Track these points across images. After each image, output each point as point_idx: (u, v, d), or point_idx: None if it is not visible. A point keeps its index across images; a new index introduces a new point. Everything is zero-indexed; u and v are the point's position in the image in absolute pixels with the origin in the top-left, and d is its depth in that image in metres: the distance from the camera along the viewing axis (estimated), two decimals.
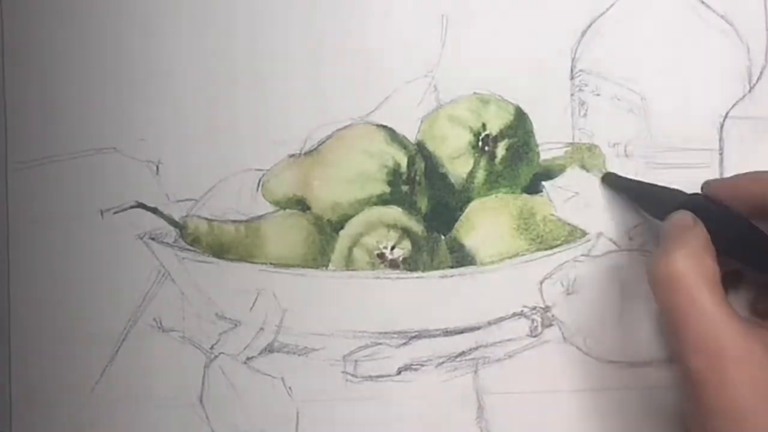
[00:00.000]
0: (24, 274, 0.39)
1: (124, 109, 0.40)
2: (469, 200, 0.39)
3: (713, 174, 0.38)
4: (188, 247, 0.39)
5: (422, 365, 0.39)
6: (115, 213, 0.39)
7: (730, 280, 0.36)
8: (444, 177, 0.39)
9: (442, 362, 0.39)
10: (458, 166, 0.39)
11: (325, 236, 0.39)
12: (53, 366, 0.39)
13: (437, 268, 0.39)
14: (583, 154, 0.39)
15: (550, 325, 0.39)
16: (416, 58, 0.39)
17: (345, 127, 0.39)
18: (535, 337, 0.39)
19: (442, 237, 0.39)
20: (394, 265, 0.39)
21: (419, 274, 0.39)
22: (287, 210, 0.39)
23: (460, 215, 0.39)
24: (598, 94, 0.39)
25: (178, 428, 0.39)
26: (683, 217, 0.34)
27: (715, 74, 0.39)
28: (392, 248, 0.39)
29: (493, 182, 0.39)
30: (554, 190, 0.39)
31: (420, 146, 0.39)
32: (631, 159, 0.39)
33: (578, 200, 0.39)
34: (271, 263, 0.39)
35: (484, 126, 0.39)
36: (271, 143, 0.39)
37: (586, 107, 0.39)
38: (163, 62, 0.40)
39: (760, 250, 0.34)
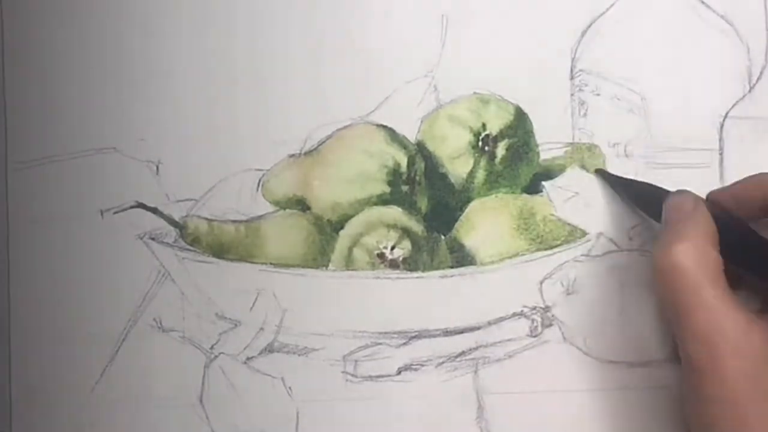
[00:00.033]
0: (24, 274, 0.39)
1: (124, 109, 0.40)
2: (469, 200, 0.39)
3: (713, 174, 0.38)
4: (188, 247, 0.39)
5: (422, 365, 0.39)
6: (115, 213, 0.39)
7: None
8: (444, 177, 0.39)
9: (442, 362, 0.39)
10: (458, 166, 0.39)
11: (325, 236, 0.39)
12: (53, 366, 0.39)
13: (437, 268, 0.39)
14: (583, 154, 0.39)
15: (550, 325, 0.39)
16: (416, 58, 0.39)
17: (345, 127, 0.39)
18: (535, 337, 0.39)
19: (442, 237, 0.39)
20: (394, 265, 0.39)
21: (419, 274, 0.39)
22: (287, 210, 0.39)
23: (460, 215, 0.39)
24: (598, 94, 0.39)
25: (178, 428, 0.39)
26: (683, 198, 0.34)
27: (715, 74, 0.39)
28: (392, 248, 0.39)
29: (493, 182, 0.39)
30: (554, 190, 0.39)
31: (420, 146, 0.39)
32: (631, 159, 0.39)
33: (578, 200, 0.39)
34: (271, 263, 0.39)
35: (484, 126, 0.39)
36: (271, 143, 0.39)
37: (586, 107, 0.39)
38: (163, 62, 0.40)
39: (760, 256, 0.34)
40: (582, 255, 0.39)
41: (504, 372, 0.39)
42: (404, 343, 0.39)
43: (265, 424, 0.39)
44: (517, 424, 0.39)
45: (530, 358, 0.39)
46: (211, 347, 0.39)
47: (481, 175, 0.39)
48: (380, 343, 0.39)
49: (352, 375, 0.39)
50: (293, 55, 0.39)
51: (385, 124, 0.39)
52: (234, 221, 0.39)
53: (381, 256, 0.39)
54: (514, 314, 0.39)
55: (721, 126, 0.39)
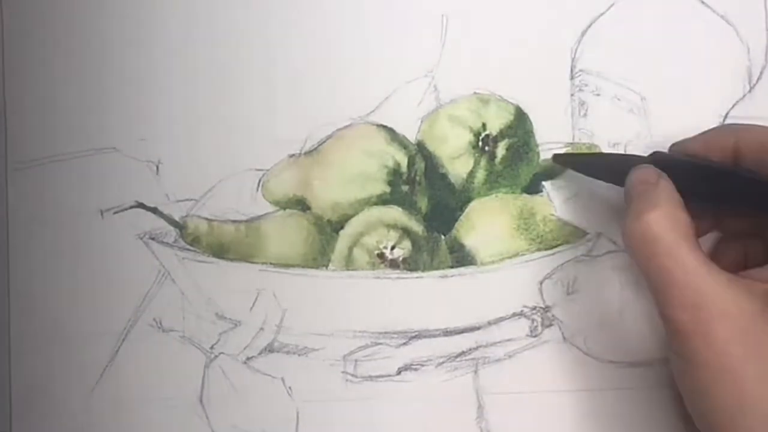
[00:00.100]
0: (24, 274, 0.39)
1: (124, 109, 0.40)
2: (469, 200, 0.39)
3: None
4: (188, 247, 0.39)
5: (422, 365, 0.39)
6: (115, 213, 0.39)
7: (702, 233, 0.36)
8: (444, 177, 0.39)
9: (442, 362, 0.39)
10: (458, 166, 0.39)
11: (325, 236, 0.39)
12: (53, 366, 0.39)
13: (437, 268, 0.39)
14: None
15: (550, 325, 0.39)
16: (416, 58, 0.39)
17: (345, 127, 0.39)
18: (535, 337, 0.39)
19: (442, 237, 0.39)
20: (394, 265, 0.39)
21: (419, 274, 0.39)
22: (287, 210, 0.39)
23: (460, 215, 0.39)
24: (598, 94, 0.39)
25: (178, 428, 0.39)
26: (645, 171, 0.34)
27: (715, 74, 0.39)
28: (392, 248, 0.39)
29: (493, 182, 0.39)
30: (554, 190, 0.39)
31: (420, 146, 0.39)
32: None
33: (578, 200, 0.39)
34: (271, 263, 0.39)
35: (484, 126, 0.39)
36: (271, 143, 0.39)
37: (586, 107, 0.39)
38: (163, 62, 0.40)
39: (728, 190, 0.34)
40: (582, 255, 0.39)
41: (504, 372, 0.39)
42: (404, 343, 0.39)
43: (265, 424, 0.39)
44: (517, 424, 0.39)
45: (530, 358, 0.39)
46: (211, 347, 0.39)
47: (481, 175, 0.39)
48: (380, 343, 0.39)
49: (352, 375, 0.39)
50: (293, 55, 0.39)
51: (385, 124, 0.39)
52: (234, 221, 0.39)
53: (381, 256, 0.39)
54: (514, 314, 0.39)
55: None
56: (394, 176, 0.39)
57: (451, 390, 0.39)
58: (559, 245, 0.39)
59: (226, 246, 0.39)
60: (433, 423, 0.39)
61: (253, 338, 0.39)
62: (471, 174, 0.39)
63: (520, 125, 0.39)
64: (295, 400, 0.39)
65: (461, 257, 0.39)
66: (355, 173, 0.39)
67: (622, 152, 0.38)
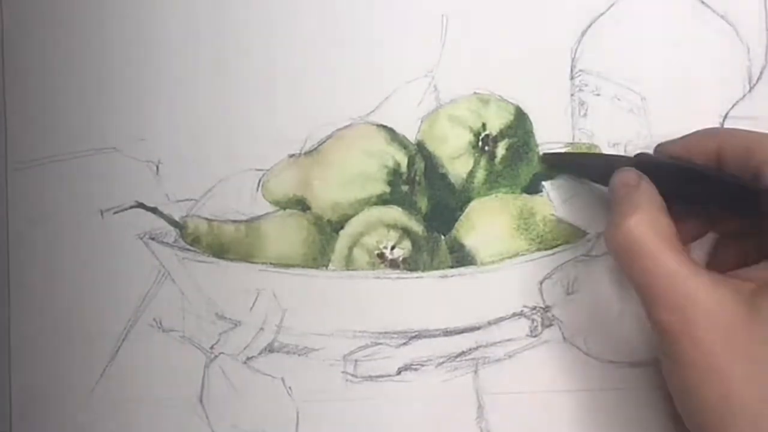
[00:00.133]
0: (24, 274, 0.39)
1: (124, 109, 0.40)
2: (469, 200, 0.39)
3: None
4: (188, 247, 0.39)
5: (422, 365, 0.39)
6: (115, 213, 0.39)
7: (687, 236, 0.36)
8: (444, 177, 0.39)
9: (442, 362, 0.39)
10: (458, 166, 0.39)
11: (325, 236, 0.39)
12: (53, 366, 0.39)
13: (437, 268, 0.39)
14: None
15: (550, 325, 0.39)
16: (416, 58, 0.39)
17: (345, 127, 0.39)
18: (535, 337, 0.39)
19: (442, 237, 0.39)
20: (394, 265, 0.39)
21: (419, 274, 0.39)
22: (287, 210, 0.39)
23: (460, 215, 0.39)
24: (598, 94, 0.39)
25: (178, 428, 0.39)
26: (627, 174, 0.34)
27: (715, 74, 0.39)
28: (392, 248, 0.39)
29: (493, 182, 0.39)
30: (554, 190, 0.39)
31: (420, 146, 0.39)
32: None
33: (578, 200, 0.39)
34: (271, 263, 0.39)
35: (484, 126, 0.39)
36: (271, 143, 0.39)
37: (586, 107, 0.39)
38: (163, 62, 0.40)
39: (712, 193, 0.34)
40: (582, 255, 0.39)
41: (504, 372, 0.39)
42: (404, 343, 0.39)
43: (265, 424, 0.39)
44: (517, 424, 0.39)
45: (530, 358, 0.39)
46: (211, 347, 0.39)
47: (481, 175, 0.39)
48: (380, 343, 0.39)
49: (352, 375, 0.39)
50: (293, 55, 0.39)
51: (385, 124, 0.39)
52: (234, 221, 0.39)
53: (381, 256, 0.39)
54: (514, 314, 0.39)
55: (722, 126, 0.39)
56: (394, 176, 0.39)
57: (451, 390, 0.39)
58: (559, 245, 0.39)
59: (226, 246, 0.39)
60: (433, 423, 0.39)
61: (253, 338, 0.39)
62: (471, 174, 0.39)
63: (520, 125, 0.39)
64: (295, 400, 0.39)
65: (461, 257, 0.39)
66: (355, 173, 0.39)
67: (607, 153, 0.38)
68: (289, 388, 0.39)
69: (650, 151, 0.37)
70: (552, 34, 0.39)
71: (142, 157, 0.39)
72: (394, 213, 0.39)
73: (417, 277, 0.39)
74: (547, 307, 0.39)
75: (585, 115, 0.39)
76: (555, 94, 0.39)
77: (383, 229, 0.39)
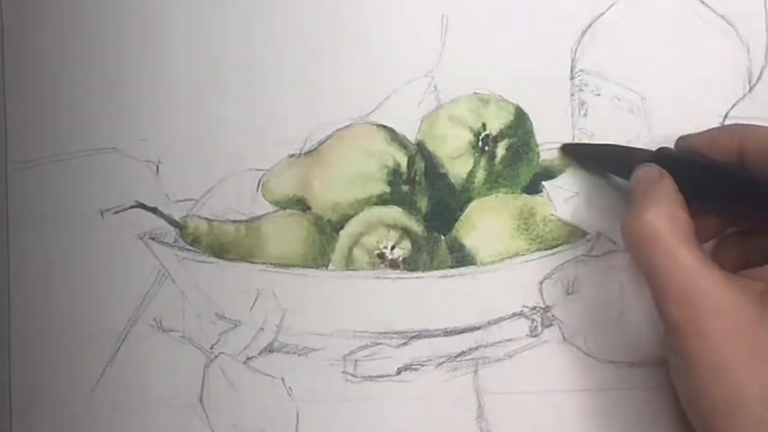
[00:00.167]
0: (24, 274, 0.39)
1: (124, 109, 0.40)
2: (469, 200, 0.39)
3: None
4: (188, 247, 0.39)
5: (422, 365, 0.39)
6: (115, 213, 0.39)
7: (704, 233, 0.36)
8: (444, 177, 0.39)
9: (442, 362, 0.39)
10: (458, 166, 0.39)
11: (325, 236, 0.39)
12: (53, 366, 0.39)
13: (437, 268, 0.39)
14: None
15: (550, 325, 0.39)
16: (416, 58, 0.39)
17: (345, 127, 0.39)
18: (535, 337, 0.39)
19: (442, 237, 0.39)
20: (394, 265, 0.39)
21: (419, 274, 0.39)
22: (287, 210, 0.39)
23: (460, 215, 0.39)
24: (598, 94, 0.39)
25: (178, 428, 0.39)
26: (648, 170, 0.34)
27: (715, 74, 0.39)
28: (392, 248, 0.39)
29: (493, 182, 0.39)
30: (554, 190, 0.39)
31: (420, 146, 0.39)
32: None
33: (578, 200, 0.39)
34: (271, 263, 0.39)
35: (484, 126, 0.39)
36: (271, 143, 0.39)
37: (586, 107, 0.39)
38: (163, 62, 0.40)
39: (732, 191, 0.34)
40: (582, 255, 0.39)
41: (504, 372, 0.39)
42: (404, 343, 0.39)
43: (265, 424, 0.39)
44: (517, 424, 0.39)
45: (530, 358, 0.39)
46: (211, 347, 0.39)
47: (481, 175, 0.39)
48: (380, 343, 0.39)
49: (352, 375, 0.39)
50: (293, 55, 0.39)
51: (385, 124, 0.39)
52: (234, 221, 0.39)
53: (381, 256, 0.39)
54: (514, 314, 0.39)
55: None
56: (394, 176, 0.39)
57: (451, 390, 0.39)
58: (559, 245, 0.39)
59: (226, 246, 0.39)
60: (433, 423, 0.39)
61: (253, 338, 0.39)
62: (471, 174, 0.39)
63: (520, 125, 0.39)
64: (295, 400, 0.39)
65: (461, 257, 0.39)
66: (355, 173, 0.39)
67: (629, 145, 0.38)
68: (289, 388, 0.39)
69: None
70: (552, 34, 0.39)
71: (142, 157, 0.39)
72: (394, 213, 0.39)
73: (417, 277, 0.39)
74: (547, 307, 0.39)
75: (585, 115, 0.39)
76: (555, 94, 0.39)
77: (383, 229, 0.39)
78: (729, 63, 0.39)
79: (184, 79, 0.39)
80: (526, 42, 0.39)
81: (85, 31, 0.40)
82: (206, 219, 0.39)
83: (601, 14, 0.39)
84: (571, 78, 0.39)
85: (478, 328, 0.39)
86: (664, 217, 0.32)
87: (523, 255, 0.39)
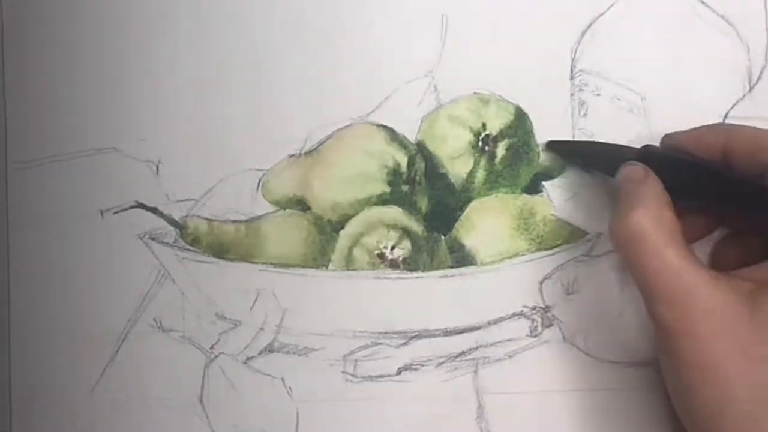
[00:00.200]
0: (24, 274, 0.39)
1: (124, 109, 0.40)
2: (469, 200, 0.39)
3: None
4: (188, 247, 0.39)
5: (422, 365, 0.39)
6: (115, 213, 0.39)
7: (692, 233, 0.36)
8: (444, 177, 0.39)
9: (442, 362, 0.39)
10: (458, 166, 0.39)
11: (325, 236, 0.39)
12: (53, 366, 0.39)
13: (437, 268, 0.39)
14: None
15: (550, 325, 0.39)
16: (416, 58, 0.39)
17: (345, 127, 0.39)
18: (535, 337, 0.39)
19: (442, 237, 0.39)
20: (394, 265, 0.39)
21: (419, 274, 0.39)
22: (287, 210, 0.39)
23: (460, 215, 0.39)
24: (598, 94, 0.39)
25: (178, 428, 0.39)
26: (634, 169, 0.34)
27: (715, 74, 0.39)
28: (392, 248, 0.39)
29: (493, 182, 0.39)
30: (554, 190, 0.39)
31: (420, 146, 0.39)
32: None
33: (578, 200, 0.39)
34: (271, 263, 0.39)
35: (484, 126, 0.39)
36: (271, 143, 0.39)
37: (586, 107, 0.39)
38: (163, 62, 0.40)
39: (718, 189, 0.34)
40: (582, 255, 0.39)
41: (504, 372, 0.39)
42: (404, 343, 0.39)
43: (265, 424, 0.39)
44: (517, 424, 0.39)
45: (530, 358, 0.39)
46: (211, 347, 0.39)
47: (481, 175, 0.39)
48: (380, 343, 0.39)
49: (352, 375, 0.39)
50: (293, 55, 0.39)
51: (385, 124, 0.39)
52: (234, 221, 0.39)
53: (381, 256, 0.39)
54: (514, 314, 0.39)
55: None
56: (394, 176, 0.39)
57: (451, 390, 0.39)
58: (559, 245, 0.39)
59: (226, 246, 0.39)
60: (433, 423, 0.39)
61: (253, 338, 0.39)
62: (471, 174, 0.39)
63: (520, 125, 0.39)
64: (295, 400, 0.39)
65: (461, 257, 0.39)
66: (355, 173, 0.39)
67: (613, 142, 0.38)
68: (289, 388, 0.39)
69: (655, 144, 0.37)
70: (552, 34, 0.39)
71: (142, 157, 0.39)
72: (394, 213, 0.39)
73: (417, 277, 0.39)
74: (547, 307, 0.39)
75: (585, 115, 0.39)
76: (555, 94, 0.39)
77: (383, 229, 0.39)
78: (729, 63, 0.39)
79: (184, 80, 0.39)
80: (526, 42, 0.39)
81: (85, 31, 0.40)
82: (206, 219, 0.39)
83: (601, 14, 0.39)
84: (571, 78, 0.39)
85: (478, 328, 0.39)
86: (651, 218, 0.32)
87: (523, 255, 0.39)
